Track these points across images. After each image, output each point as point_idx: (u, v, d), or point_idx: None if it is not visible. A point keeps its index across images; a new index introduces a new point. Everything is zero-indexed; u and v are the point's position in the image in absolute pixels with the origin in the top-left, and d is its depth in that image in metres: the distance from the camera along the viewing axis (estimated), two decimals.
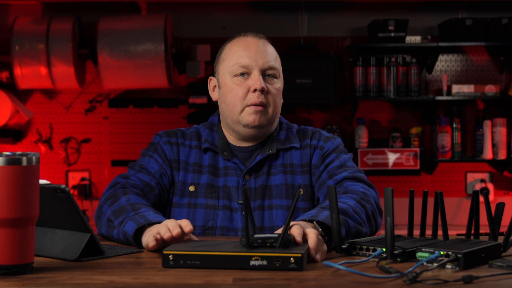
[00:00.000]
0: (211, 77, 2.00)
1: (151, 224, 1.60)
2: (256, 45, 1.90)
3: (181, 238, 1.51)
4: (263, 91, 1.86)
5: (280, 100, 1.93)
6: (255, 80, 1.86)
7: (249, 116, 1.87)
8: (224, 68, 1.92)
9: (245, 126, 1.88)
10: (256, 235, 1.39)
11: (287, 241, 1.39)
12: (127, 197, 1.77)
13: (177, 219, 1.81)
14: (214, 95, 1.99)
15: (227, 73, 1.90)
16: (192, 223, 1.83)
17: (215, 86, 1.99)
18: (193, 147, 1.95)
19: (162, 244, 1.53)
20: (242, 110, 1.87)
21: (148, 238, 1.55)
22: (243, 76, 1.88)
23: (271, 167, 1.92)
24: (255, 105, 1.86)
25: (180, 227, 1.51)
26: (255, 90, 1.85)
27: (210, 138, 1.95)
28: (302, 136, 1.98)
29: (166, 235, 1.50)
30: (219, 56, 1.97)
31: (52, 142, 4.59)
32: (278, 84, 1.91)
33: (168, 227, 1.52)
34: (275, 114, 1.91)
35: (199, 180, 1.91)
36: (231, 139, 1.96)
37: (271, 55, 1.91)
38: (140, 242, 1.62)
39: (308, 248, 1.41)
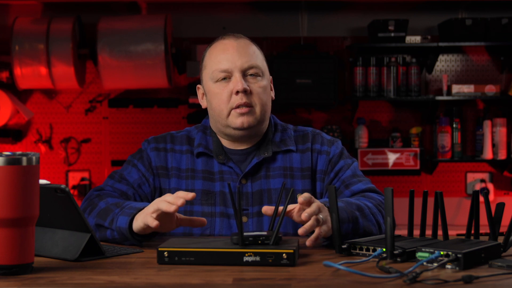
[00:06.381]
0: (198, 86, 1.97)
1: (140, 210, 1.64)
2: (233, 46, 1.86)
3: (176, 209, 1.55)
4: (246, 92, 1.83)
5: (268, 98, 1.89)
6: (236, 82, 1.82)
7: (237, 119, 1.84)
8: (207, 75, 1.89)
9: (235, 129, 1.85)
10: (245, 233, 1.44)
11: (278, 238, 1.45)
12: (104, 201, 1.79)
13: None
14: (203, 103, 1.96)
15: (209, 79, 1.87)
16: (189, 231, 1.84)
17: (203, 93, 1.95)
18: (184, 152, 1.91)
19: (164, 220, 1.58)
20: (229, 114, 1.84)
21: (146, 219, 1.58)
22: (225, 80, 1.85)
23: (269, 170, 1.88)
24: (240, 106, 1.83)
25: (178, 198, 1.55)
26: (237, 92, 1.82)
27: (204, 142, 1.91)
28: (302, 139, 1.94)
29: (171, 208, 1.52)
30: (201, 64, 1.94)
31: (52, 142, 4.59)
32: (263, 82, 1.87)
33: (168, 201, 1.54)
34: (264, 112, 1.87)
35: (193, 186, 1.87)
36: (225, 142, 1.92)
37: (251, 54, 1.87)
38: (136, 234, 1.64)
39: (299, 243, 1.48)
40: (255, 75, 1.86)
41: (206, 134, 1.94)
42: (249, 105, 1.83)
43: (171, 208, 1.53)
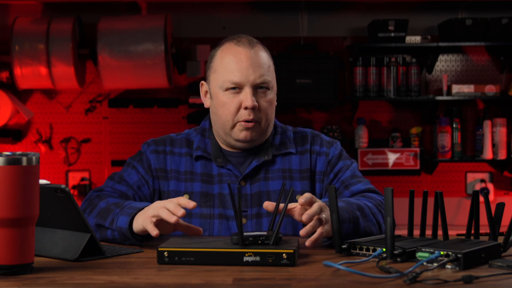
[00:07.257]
0: (202, 82, 1.96)
1: (141, 210, 1.64)
2: (248, 57, 1.83)
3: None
4: (254, 109, 1.82)
5: (273, 110, 1.89)
6: (247, 98, 1.81)
7: (241, 132, 1.84)
8: (215, 80, 1.87)
9: (237, 140, 1.86)
10: (245, 233, 1.44)
11: (278, 238, 1.45)
12: (104, 201, 1.79)
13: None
14: (205, 101, 1.95)
15: (218, 86, 1.86)
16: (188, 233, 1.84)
17: (206, 91, 1.94)
18: (183, 155, 1.91)
19: (162, 224, 1.58)
20: (234, 126, 1.84)
21: (145, 223, 1.58)
22: (234, 90, 1.83)
23: (268, 172, 1.88)
24: (246, 121, 1.83)
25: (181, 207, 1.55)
26: (246, 108, 1.82)
27: (202, 145, 1.91)
28: (301, 140, 1.94)
29: (172, 219, 1.53)
30: (210, 63, 1.91)
31: (52, 142, 4.59)
32: (270, 96, 1.86)
33: (170, 209, 1.55)
34: (268, 126, 1.88)
35: (192, 188, 1.88)
36: (224, 145, 1.92)
37: (263, 67, 1.84)
38: (137, 234, 1.64)
39: (299, 243, 1.48)
40: (265, 88, 1.85)
41: (204, 136, 1.94)
42: (255, 121, 1.84)
43: (172, 219, 1.53)
